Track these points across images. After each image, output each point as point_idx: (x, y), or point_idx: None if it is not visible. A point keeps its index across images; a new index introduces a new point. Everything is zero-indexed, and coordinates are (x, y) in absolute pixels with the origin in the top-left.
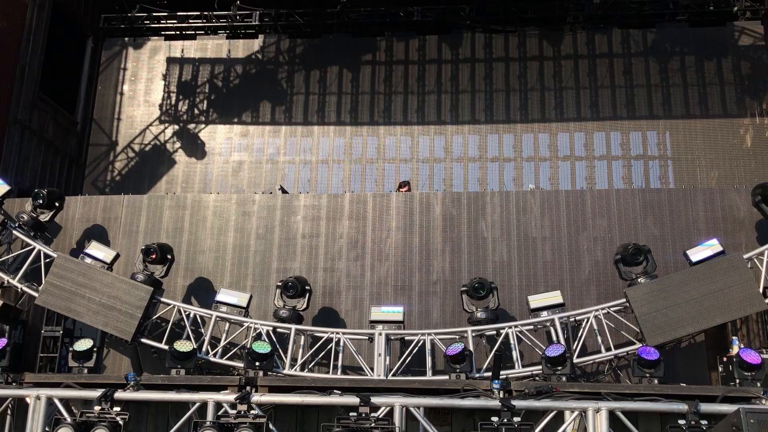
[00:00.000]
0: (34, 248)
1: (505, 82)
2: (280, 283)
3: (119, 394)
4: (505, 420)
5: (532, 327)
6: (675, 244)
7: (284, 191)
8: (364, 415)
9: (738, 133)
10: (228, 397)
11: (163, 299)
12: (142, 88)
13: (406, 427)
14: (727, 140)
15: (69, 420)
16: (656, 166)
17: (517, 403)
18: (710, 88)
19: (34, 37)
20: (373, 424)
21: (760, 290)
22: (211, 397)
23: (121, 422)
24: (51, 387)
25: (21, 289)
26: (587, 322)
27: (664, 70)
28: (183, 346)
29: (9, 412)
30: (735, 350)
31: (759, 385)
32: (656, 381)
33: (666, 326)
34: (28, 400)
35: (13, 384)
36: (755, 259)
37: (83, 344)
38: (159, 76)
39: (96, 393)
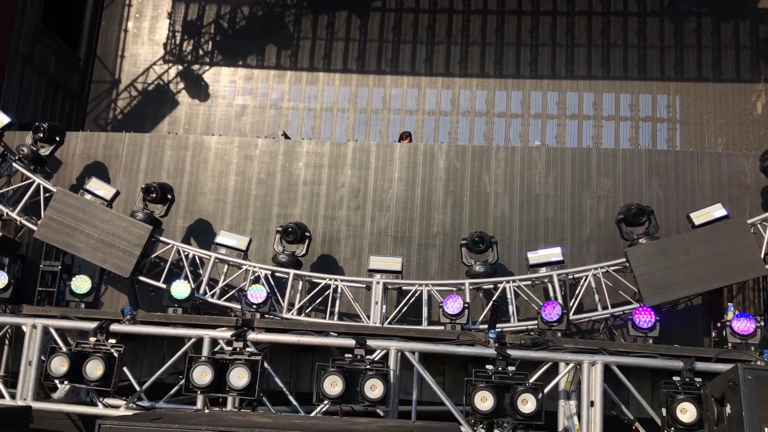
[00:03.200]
0: (33, 182)
1: (516, 35)
2: (280, 228)
3: (114, 327)
4: (500, 368)
5: (529, 282)
6: (679, 206)
7: (287, 137)
8: (359, 357)
9: (750, 99)
10: (224, 333)
11: (162, 238)
12: (147, 26)
13: (400, 374)
14: (738, 105)
15: (64, 349)
16: (664, 128)
17: (513, 353)
18: (725, 51)
19: None
20: (367, 366)
21: (761, 256)
22: (207, 333)
23: (116, 354)
24: (48, 318)
25: (20, 222)
26: (585, 280)
27: (679, 32)
28: (179, 291)
29: (6, 342)
30: (729, 316)
31: (753, 349)
32: (651, 341)
33: (664, 287)
34: (24, 328)
35: (12, 314)
36: (758, 225)
37: (82, 285)
38: (164, 15)
39: (92, 325)
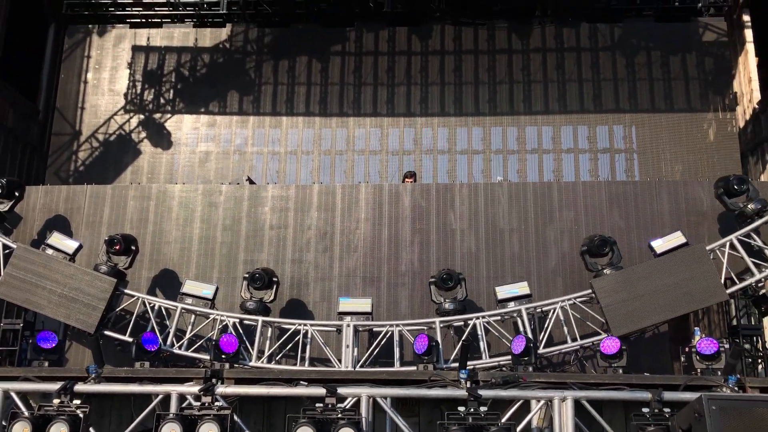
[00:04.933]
0: None
1: (474, 74)
2: (247, 275)
3: (79, 387)
4: (472, 409)
5: (499, 318)
6: (640, 235)
7: (251, 182)
8: (330, 405)
9: (702, 127)
10: (192, 388)
11: (127, 291)
12: (107, 76)
13: (373, 419)
14: (691, 134)
15: (26, 414)
16: (622, 159)
17: (484, 393)
18: (675, 83)
19: None
20: (339, 415)
21: (722, 281)
22: (174, 388)
23: (81, 415)
24: (9, 381)
25: None
26: (554, 312)
27: (631, 65)
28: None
29: None
30: (696, 340)
31: (719, 374)
32: (620, 371)
33: (631, 317)
34: None
35: None
36: (717, 251)
37: None
38: (124, 65)
39: (55, 386)
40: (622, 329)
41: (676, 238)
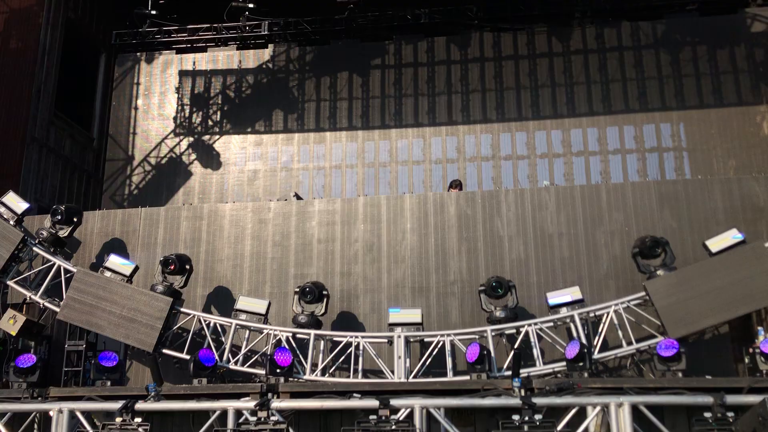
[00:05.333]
0: (54, 264)
1: (515, 79)
2: (298, 289)
3: (139, 405)
4: (527, 418)
5: (551, 324)
6: (693, 235)
7: (299, 198)
8: (384, 417)
9: (754, 120)
10: (248, 404)
11: (183, 309)
12: (156, 101)
13: (428, 429)
14: (744, 128)
15: None
16: (671, 157)
17: (538, 401)
18: (724, 76)
19: (48, 57)
20: (393, 427)
21: None
22: (230, 404)
23: None
24: (73, 400)
25: (43, 304)
26: (607, 316)
27: (676, 61)
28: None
29: (36, 426)
30: (760, 340)
31: None
32: (680, 374)
33: (688, 318)
34: (51, 413)
35: (39, 398)
36: None
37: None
38: (172, 90)
39: (117, 405)
40: (679, 331)
41: (732, 236)
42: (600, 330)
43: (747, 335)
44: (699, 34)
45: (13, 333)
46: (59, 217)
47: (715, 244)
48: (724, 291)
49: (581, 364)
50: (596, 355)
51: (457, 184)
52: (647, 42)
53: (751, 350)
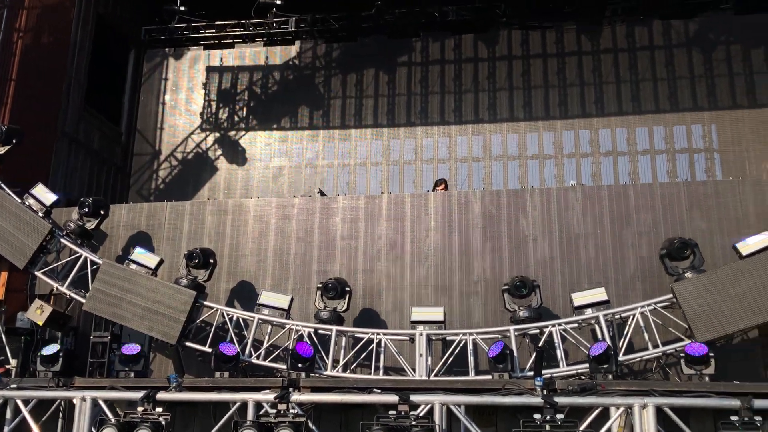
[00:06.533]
0: (81, 255)
1: (543, 78)
2: (320, 285)
3: (161, 395)
4: (548, 417)
5: (576, 325)
6: (723, 238)
7: (323, 194)
8: (403, 413)
9: None
10: (267, 396)
11: (206, 303)
12: (183, 97)
13: (449, 427)
14: None
15: (113, 420)
16: (702, 159)
17: (560, 400)
18: (758, 76)
19: (79, 52)
20: (413, 422)
21: None
22: (251, 396)
23: (163, 422)
24: (97, 389)
25: (69, 295)
26: (633, 318)
27: (708, 61)
28: (227, 349)
29: (60, 414)
30: None
31: None
32: (707, 378)
33: (716, 321)
34: (75, 401)
35: (63, 387)
36: None
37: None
38: (199, 85)
39: (139, 394)
40: (707, 334)
41: (764, 239)
42: (625, 332)
43: None
44: (733, 32)
45: (40, 323)
46: (87, 210)
47: (746, 247)
48: (754, 295)
49: (606, 365)
50: (621, 358)
51: (441, 182)
52: (679, 41)
53: None
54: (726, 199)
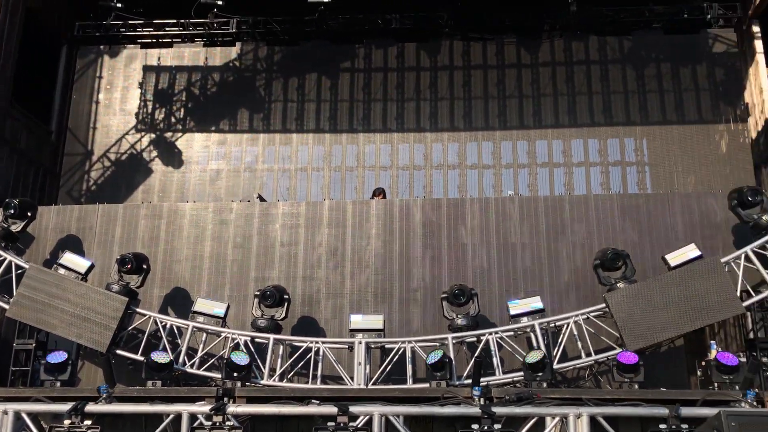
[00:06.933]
0: (5, 259)
1: (483, 89)
2: (258, 293)
3: (90, 407)
4: (486, 427)
5: (512, 333)
6: (653, 248)
7: (262, 199)
8: (342, 424)
9: (714, 138)
10: (203, 408)
11: (138, 310)
12: (118, 96)
13: None
14: (703, 146)
15: None
16: (634, 172)
17: (497, 410)
18: (686, 94)
19: (5, 45)
20: None
21: (738, 294)
22: (185, 408)
23: None
24: (20, 401)
25: None
26: (567, 327)
27: (641, 77)
28: (160, 357)
29: None
30: (713, 354)
31: (737, 388)
32: (636, 386)
33: (645, 331)
34: None
35: None
36: (732, 263)
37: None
38: (135, 85)
39: (66, 406)
40: (637, 343)
41: (690, 251)
42: (560, 340)
43: (700, 348)
44: (663, 51)
45: None
46: (12, 211)
47: (674, 258)
48: (681, 305)
49: (540, 374)
50: (555, 366)
51: (380, 192)
52: (614, 57)
53: (703, 363)
54: (656, 211)
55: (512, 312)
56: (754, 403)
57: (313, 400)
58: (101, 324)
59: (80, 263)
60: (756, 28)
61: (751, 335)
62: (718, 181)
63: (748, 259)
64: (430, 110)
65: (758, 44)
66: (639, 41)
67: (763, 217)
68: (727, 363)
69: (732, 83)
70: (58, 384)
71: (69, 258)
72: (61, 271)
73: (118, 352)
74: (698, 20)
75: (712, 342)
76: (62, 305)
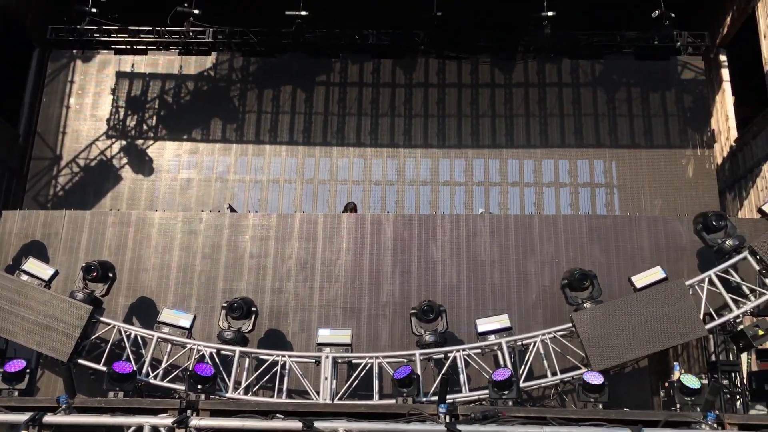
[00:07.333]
0: None
1: (457, 107)
2: (226, 304)
3: (48, 418)
4: None
5: (479, 350)
6: (620, 270)
7: (233, 210)
8: None
9: (680, 163)
10: (165, 420)
11: (102, 319)
12: (90, 101)
13: None
14: (671, 170)
15: None
16: (602, 193)
17: (463, 428)
18: (654, 119)
19: None
20: None
21: (701, 316)
22: (147, 420)
23: None
24: None
25: None
26: (534, 346)
27: (612, 101)
28: (122, 368)
29: None
30: (676, 375)
31: (698, 410)
32: (600, 406)
33: (611, 351)
34: None
35: None
36: (696, 286)
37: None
38: (107, 90)
39: (24, 417)
40: (602, 363)
41: (656, 273)
42: (526, 359)
43: (664, 369)
44: (634, 76)
45: None
46: None
47: (640, 279)
48: (646, 326)
49: (507, 392)
50: (521, 384)
51: (351, 208)
52: (586, 80)
53: (666, 384)
54: (624, 233)
55: (480, 329)
56: (715, 426)
57: (277, 415)
58: (63, 332)
59: (44, 270)
60: (723, 57)
61: (713, 357)
62: (684, 204)
63: (711, 282)
64: (404, 126)
65: (725, 72)
66: (611, 65)
67: (727, 242)
68: (689, 386)
69: (699, 110)
70: (16, 393)
71: (32, 264)
72: (24, 277)
73: (80, 361)
74: (668, 47)
75: (675, 363)
76: (23, 312)
